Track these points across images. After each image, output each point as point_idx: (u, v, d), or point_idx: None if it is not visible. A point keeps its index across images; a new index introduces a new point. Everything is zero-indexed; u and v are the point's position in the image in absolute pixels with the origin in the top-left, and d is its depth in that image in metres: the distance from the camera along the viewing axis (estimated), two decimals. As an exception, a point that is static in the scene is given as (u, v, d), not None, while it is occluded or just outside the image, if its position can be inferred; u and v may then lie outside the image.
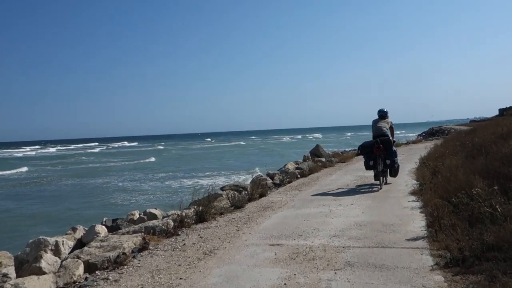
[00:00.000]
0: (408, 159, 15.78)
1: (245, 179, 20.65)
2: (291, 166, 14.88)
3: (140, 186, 24.45)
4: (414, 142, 27.98)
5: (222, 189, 11.96)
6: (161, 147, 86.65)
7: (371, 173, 10.01)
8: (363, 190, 9.23)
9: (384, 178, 9.70)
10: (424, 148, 21.74)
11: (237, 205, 8.09)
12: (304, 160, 16.35)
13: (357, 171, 12.86)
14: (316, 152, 17.29)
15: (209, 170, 31.82)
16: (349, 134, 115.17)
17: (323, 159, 16.31)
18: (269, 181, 12.13)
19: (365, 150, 9.51)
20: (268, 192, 9.88)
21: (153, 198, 19.46)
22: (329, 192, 9.18)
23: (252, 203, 8.54)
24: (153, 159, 47.87)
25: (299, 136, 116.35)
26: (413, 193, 8.18)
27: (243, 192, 10.05)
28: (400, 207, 7.05)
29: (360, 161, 15.88)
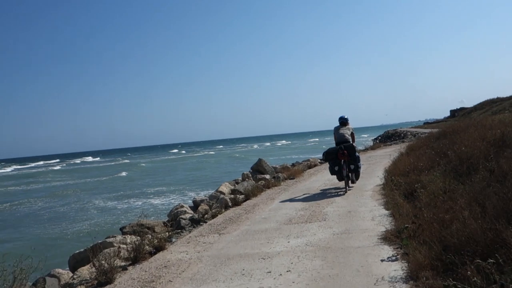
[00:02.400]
0: (369, 172, 13.03)
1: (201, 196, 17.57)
2: (225, 189, 11.78)
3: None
4: (372, 148, 25.58)
5: (122, 230, 8.71)
6: (127, 160, 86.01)
7: (323, 201, 7.97)
8: (311, 231, 6.21)
9: (348, 182, 9.89)
10: (385, 156, 19.25)
11: (101, 280, 4.83)
12: (243, 179, 13.28)
13: (306, 194, 9.91)
14: (258, 168, 14.26)
15: (180, 184, 30.37)
16: (316, 139, 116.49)
17: (267, 176, 13.30)
18: (188, 214, 8.97)
19: (330, 156, 9.78)
20: (173, 240, 6.70)
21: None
22: (259, 239, 6.10)
23: (136, 269, 5.32)
24: (124, 173, 45.92)
25: (268, 144, 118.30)
26: (386, 238, 5.23)
27: (147, 237, 6.90)
28: (369, 277, 4.05)
29: (311, 177, 13.05)
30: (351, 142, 9.91)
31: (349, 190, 9.65)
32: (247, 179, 13.06)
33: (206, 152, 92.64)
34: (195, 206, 10.73)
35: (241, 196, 10.06)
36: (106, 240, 7.28)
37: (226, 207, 9.19)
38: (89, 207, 22.67)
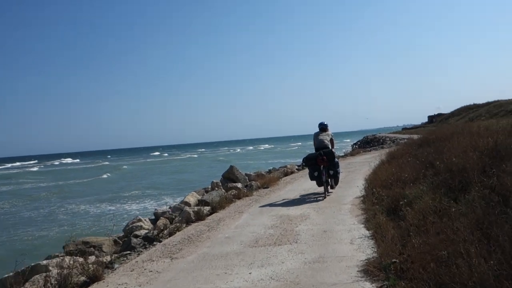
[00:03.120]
0: (348, 181, 12.16)
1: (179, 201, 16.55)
2: (192, 199, 10.73)
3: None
4: (351, 154, 24.82)
5: (64, 248, 7.59)
6: (107, 163, 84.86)
7: (297, 216, 6.97)
8: (279, 257, 5.22)
9: (327, 188, 9.91)
10: (365, 163, 18.45)
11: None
12: (213, 188, 12.24)
13: (279, 206, 8.95)
14: (230, 176, 13.22)
15: (160, 188, 29.51)
16: (299, 143, 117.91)
17: (239, 185, 12.28)
18: (143, 230, 7.92)
19: (310, 162, 9.80)
20: (115, 266, 5.62)
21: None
22: (217, 267, 5.08)
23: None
24: (105, 176, 45.08)
25: (251, 147, 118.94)
26: (367, 272, 4.27)
27: (91, 258, 5.85)
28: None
29: (287, 186, 12.11)
30: (330, 148, 9.98)
31: (328, 195, 9.69)
32: (216, 188, 12.01)
33: (189, 155, 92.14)
34: (156, 218, 9.65)
35: (207, 209, 9.03)
36: (40, 263, 6.15)
37: (188, 222, 8.14)
38: (59, 212, 21.44)
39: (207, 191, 12.53)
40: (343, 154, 24.57)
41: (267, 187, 12.35)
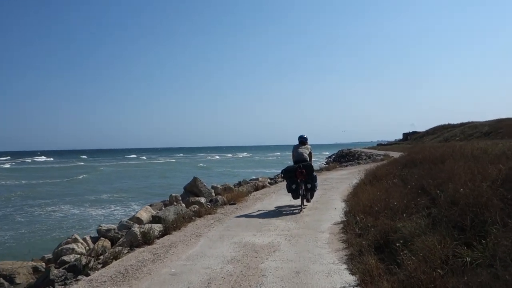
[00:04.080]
0: (325, 201, 10.90)
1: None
2: (145, 215, 9.26)
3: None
4: (327, 169, 23.67)
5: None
6: (83, 163, 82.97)
7: (264, 245, 5.84)
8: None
9: (303, 201, 9.85)
10: (342, 180, 17.31)
11: None
12: (171, 203, 10.76)
13: (246, 229, 7.57)
14: (193, 189, 11.74)
15: (132, 191, 28.35)
16: (278, 153, 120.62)
17: (202, 200, 10.83)
18: (74, 255, 6.41)
19: (288, 174, 9.80)
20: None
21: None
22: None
23: None
24: (81, 176, 43.32)
25: (230, 155, 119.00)
26: None
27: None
28: None
29: (256, 204, 10.77)
30: (308, 161, 9.96)
31: (304, 207, 9.74)
32: (175, 203, 10.53)
33: (167, 160, 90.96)
34: (101, 236, 8.14)
35: (159, 228, 7.57)
36: None
37: (133, 245, 6.67)
38: (16, 214, 19.43)
39: (166, 205, 11.05)
40: (318, 169, 23.38)
41: (233, 204, 10.95)
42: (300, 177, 9.54)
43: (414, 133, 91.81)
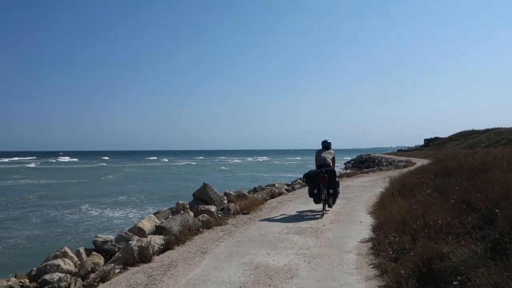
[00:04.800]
0: (348, 212, 9.85)
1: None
2: (148, 224, 8.34)
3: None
4: (348, 175, 22.50)
5: None
6: (105, 164, 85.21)
7: (279, 268, 5.00)
8: None
9: (325, 206, 9.67)
10: (364, 187, 16.19)
11: None
12: (178, 211, 9.83)
13: (259, 245, 6.56)
14: (202, 196, 10.78)
15: (155, 194, 27.85)
16: (298, 158, 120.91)
17: (213, 208, 9.87)
18: (58, 274, 5.50)
19: (311, 179, 9.67)
20: None
21: None
22: None
23: None
24: (109, 176, 44.10)
25: (250, 159, 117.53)
26: None
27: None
28: None
29: (271, 213, 9.77)
30: (331, 167, 9.88)
31: (326, 213, 9.59)
32: (182, 212, 9.59)
33: (188, 162, 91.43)
34: (97, 249, 7.25)
35: (160, 241, 6.63)
36: None
37: (126, 263, 5.73)
38: (31, 216, 18.89)
39: (173, 212, 10.13)
40: (338, 175, 22.24)
41: (247, 213, 9.97)
42: (322, 182, 9.42)
43: (436, 139, 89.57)
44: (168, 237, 6.55)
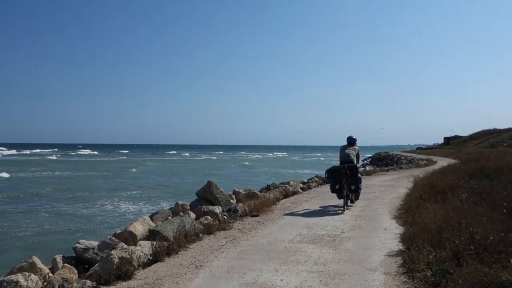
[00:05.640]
0: (369, 215, 8.71)
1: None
2: (141, 228, 7.38)
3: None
4: (367, 173, 21.23)
5: None
6: (125, 157, 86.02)
7: None
8: None
9: (347, 202, 9.69)
10: (385, 187, 14.97)
11: None
12: (177, 213, 8.80)
13: (266, 257, 5.48)
14: (206, 195, 9.71)
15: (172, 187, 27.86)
16: (318, 154, 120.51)
17: (217, 209, 8.81)
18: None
19: (333, 175, 9.65)
20: None
21: None
22: None
23: None
24: (134, 170, 44.54)
25: (270, 154, 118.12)
26: None
27: None
28: None
29: (284, 217, 8.68)
30: (355, 163, 9.87)
31: (347, 209, 9.52)
32: (182, 213, 8.54)
33: (208, 157, 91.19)
34: (78, 258, 6.27)
35: (147, 251, 5.60)
36: None
37: (100, 281, 4.71)
38: (42, 210, 18.13)
39: (167, 217, 9.10)
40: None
41: (256, 215, 8.90)
42: (344, 178, 9.41)
43: (456, 137, 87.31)
44: (156, 246, 5.49)
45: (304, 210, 9.72)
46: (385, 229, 7.43)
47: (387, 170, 23.93)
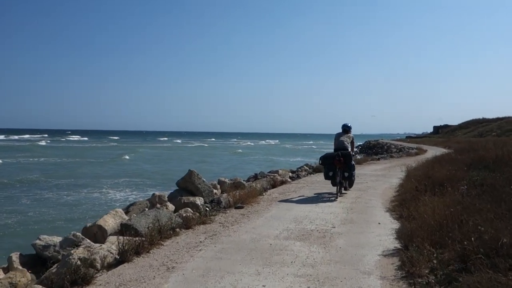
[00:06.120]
0: (362, 208, 8.13)
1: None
2: (112, 221, 6.72)
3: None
4: (358, 162, 20.65)
5: None
6: (116, 144, 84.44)
7: None
8: None
9: (340, 189, 9.77)
10: (377, 176, 14.41)
11: None
12: (153, 205, 8.13)
13: (248, 257, 4.86)
14: (187, 186, 9.03)
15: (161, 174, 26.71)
16: (311, 142, 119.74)
17: (198, 201, 8.15)
18: None
19: (326, 161, 9.71)
20: None
21: None
22: None
23: None
24: (127, 157, 42.76)
25: (263, 142, 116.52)
26: None
27: None
28: None
29: (270, 209, 8.03)
30: (349, 150, 9.89)
31: (341, 196, 9.51)
32: (158, 205, 7.88)
33: (200, 144, 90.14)
34: (37, 256, 5.61)
35: (114, 250, 4.96)
36: None
37: (53, 287, 4.06)
38: (23, 197, 17.46)
39: (153, 203, 8.45)
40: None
41: (241, 207, 8.28)
42: (338, 165, 9.44)
43: (445, 126, 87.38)
44: (123, 244, 4.84)
45: (292, 201, 9.13)
46: (379, 223, 6.87)
47: (378, 159, 23.43)
